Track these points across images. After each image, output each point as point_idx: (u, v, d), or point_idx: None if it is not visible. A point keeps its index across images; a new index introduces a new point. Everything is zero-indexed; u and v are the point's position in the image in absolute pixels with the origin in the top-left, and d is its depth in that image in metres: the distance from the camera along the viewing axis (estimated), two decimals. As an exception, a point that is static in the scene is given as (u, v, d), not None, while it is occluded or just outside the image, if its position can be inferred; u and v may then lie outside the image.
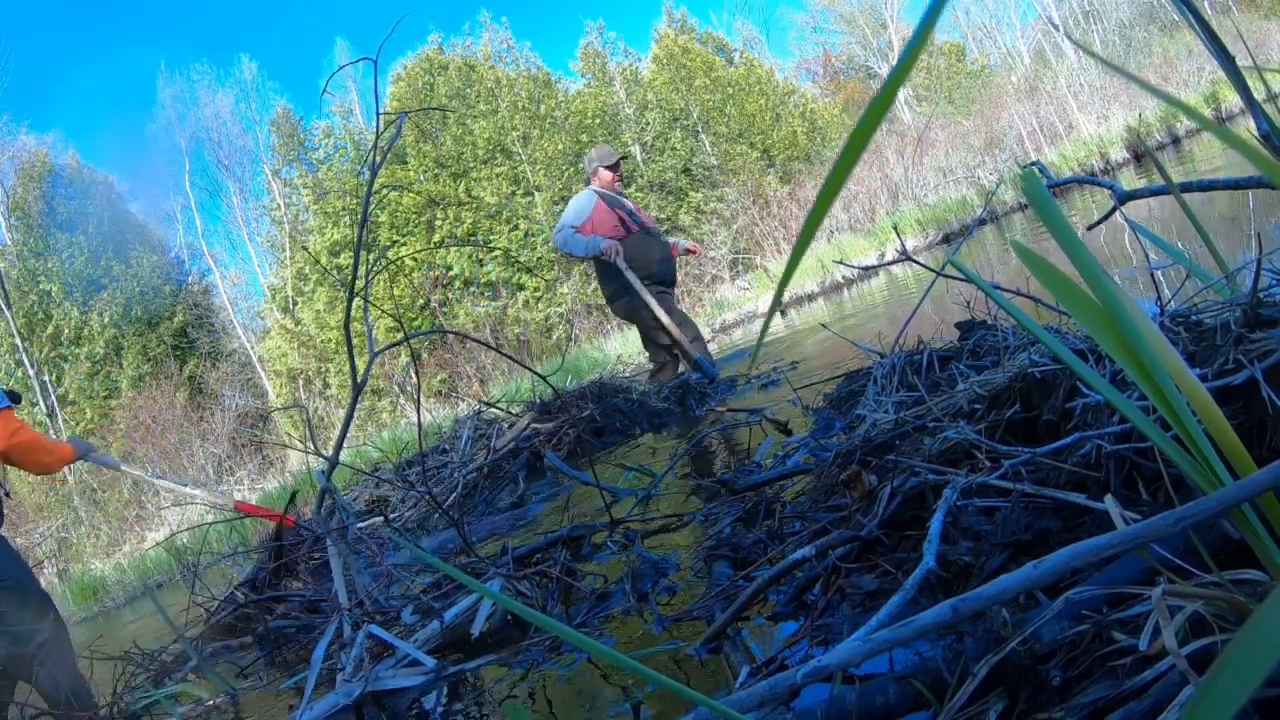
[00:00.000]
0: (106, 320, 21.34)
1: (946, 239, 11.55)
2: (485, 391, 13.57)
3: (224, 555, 2.86)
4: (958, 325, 2.17)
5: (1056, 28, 23.72)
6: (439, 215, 19.49)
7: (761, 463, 2.06)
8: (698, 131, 21.51)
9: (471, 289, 20.03)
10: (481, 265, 19.69)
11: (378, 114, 2.30)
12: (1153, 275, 1.25)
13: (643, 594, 1.48)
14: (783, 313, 10.61)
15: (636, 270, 4.72)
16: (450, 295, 19.97)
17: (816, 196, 0.33)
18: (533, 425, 3.86)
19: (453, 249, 19.01)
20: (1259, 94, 1.12)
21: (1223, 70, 1.09)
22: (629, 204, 5.02)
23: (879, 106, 0.32)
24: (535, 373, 2.38)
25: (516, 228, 19.72)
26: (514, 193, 19.80)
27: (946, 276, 1.67)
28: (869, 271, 8.89)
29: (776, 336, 6.25)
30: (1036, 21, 27.21)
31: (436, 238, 19.40)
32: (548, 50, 50.78)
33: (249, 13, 45.18)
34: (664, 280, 4.98)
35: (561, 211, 5.37)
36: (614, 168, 4.97)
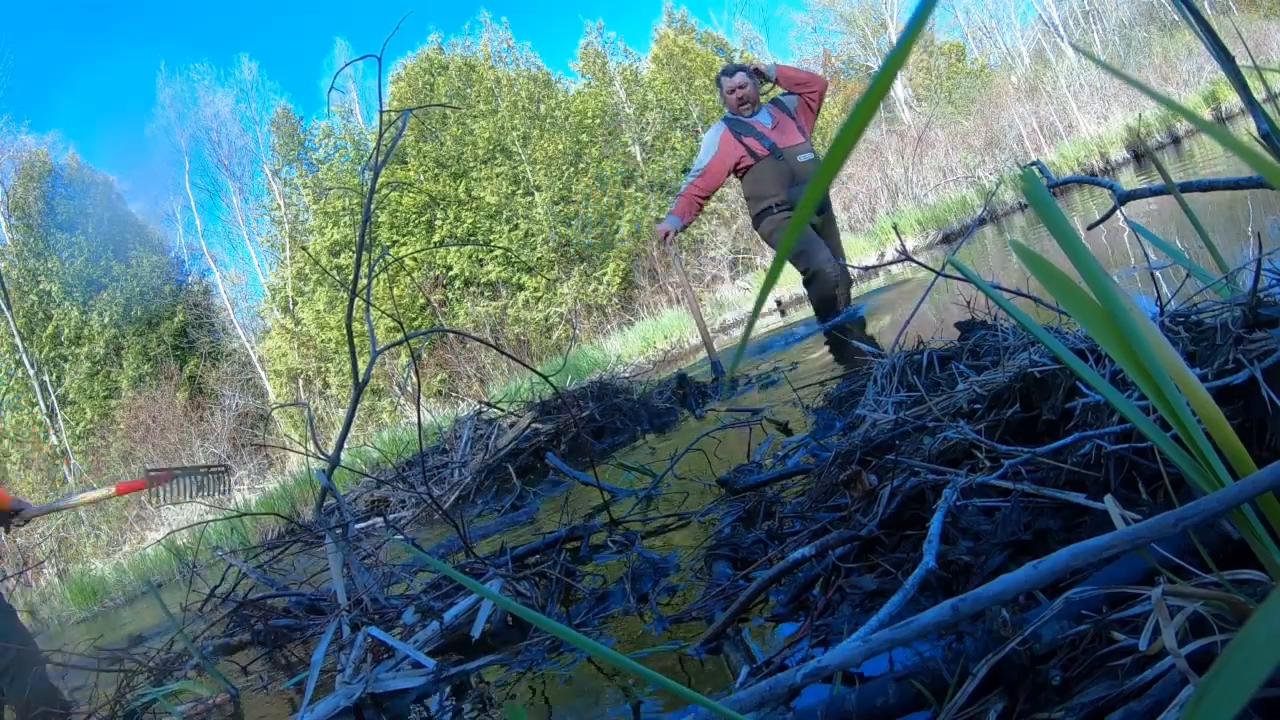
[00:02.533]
0: (106, 320, 21.35)
1: (946, 239, 11.55)
2: (485, 391, 13.57)
3: (221, 551, 2.85)
4: (958, 325, 2.17)
5: (1057, 31, 23.72)
6: (439, 215, 19.49)
7: (761, 463, 2.06)
8: (698, 131, 21.51)
9: (471, 289, 20.04)
10: (481, 265, 19.69)
11: (381, 111, 2.30)
12: (1152, 275, 1.25)
13: (643, 594, 1.48)
14: (782, 312, 10.61)
15: (764, 200, 4.63)
16: (450, 295, 19.99)
17: (791, 222, 0.33)
18: (533, 425, 3.86)
19: (453, 249, 19.00)
20: (1259, 94, 1.12)
21: (1223, 70, 1.09)
22: (762, 122, 4.67)
23: (865, 107, 0.32)
24: (536, 372, 2.38)
25: (516, 228, 19.73)
26: (514, 193, 19.80)
27: (946, 276, 1.67)
28: (869, 271, 8.89)
29: (775, 336, 6.24)
30: (1036, 21, 27.23)
31: (436, 238, 19.41)
32: (548, 50, 50.88)
33: (249, 13, 45.26)
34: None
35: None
36: (723, 80, 4.69)
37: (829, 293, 4.58)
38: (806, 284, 4.70)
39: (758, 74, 4.68)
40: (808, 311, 6.50)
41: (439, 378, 18.29)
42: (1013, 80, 20.37)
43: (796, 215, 0.34)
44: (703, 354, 5.49)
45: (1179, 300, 1.20)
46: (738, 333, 10.25)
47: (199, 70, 26.56)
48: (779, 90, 4.82)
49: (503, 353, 3.02)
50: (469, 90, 20.83)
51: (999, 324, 1.91)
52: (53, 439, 20.50)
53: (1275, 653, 0.32)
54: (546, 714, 1.19)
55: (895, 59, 0.31)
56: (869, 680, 0.80)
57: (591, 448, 3.53)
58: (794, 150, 4.63)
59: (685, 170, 20.59)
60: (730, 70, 4.71)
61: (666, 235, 4.71)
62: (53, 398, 20.97)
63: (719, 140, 4.68)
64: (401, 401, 18.24)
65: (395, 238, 19.50)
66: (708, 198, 4.83)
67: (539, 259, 19.51)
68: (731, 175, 4.79)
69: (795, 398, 2.71)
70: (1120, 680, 0.64)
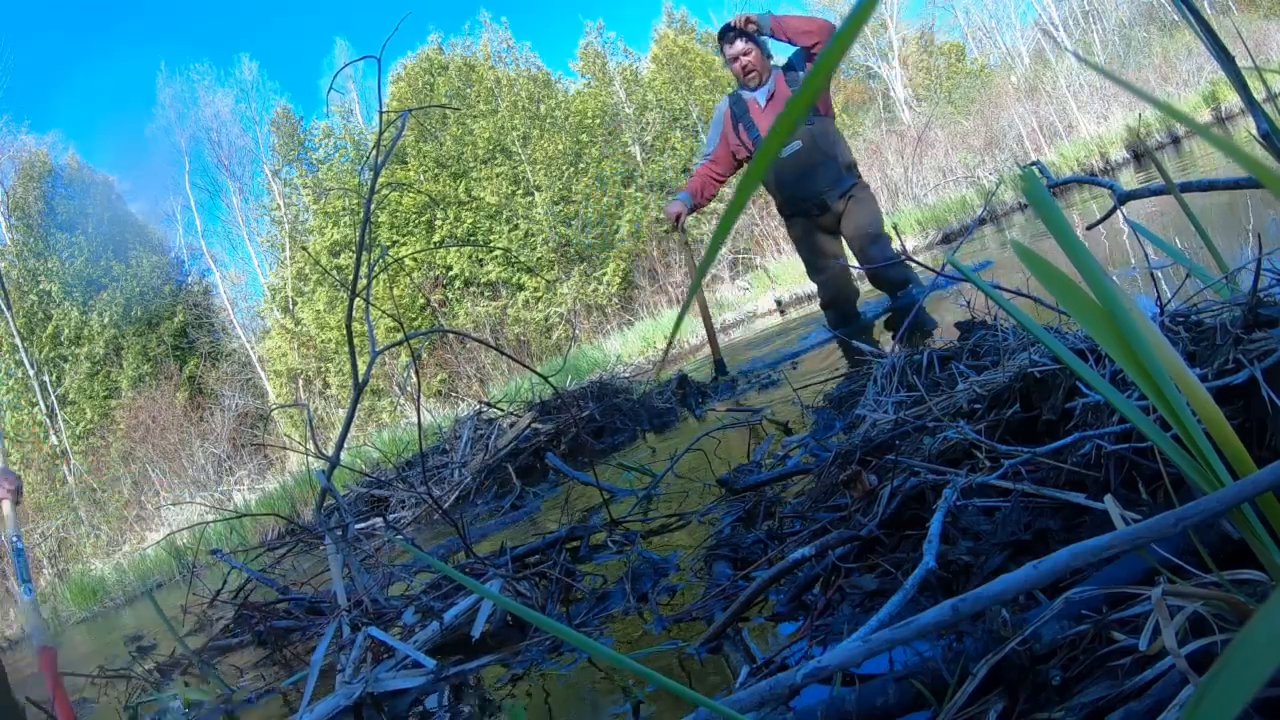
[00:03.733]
0: (106, 320, 21.36)
1: (946, 239, 11.54)
2: (485, 391, 13.57)
3: (220, 553, 2.85)
4: (958, 325, 2.17)
5: (1055, 35, 23.73)
6: (439, 215, 19.50)
7: (761, 463, 2.06)
8: (698, 131, 21.51)
9: (471, 289, 20.04)
10: (481, 265, 19.69)
11: (381, 111, 2.31)
12: (1152, 275, 1.25)
13: (642, 594, 1.48)
14: (782, 311, 10.60)
15: (774, 198, 4.23)
16: (450, 295, 19.98)
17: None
18: (533, 425, 3.86)
19: (453, 249, 19.01)
20: (1259, 94, 1.12)
21: (1223, 70, 1.09)
22: (758, 102, 4.07)
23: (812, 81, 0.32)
24: (536, 372, 2.38)
25: (516, 228, 19.73)
26: (514, 193, 19.80)
27: (946, 276, 1.67)
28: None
29: (775, 335, 6.24)
30: (1036, 21, 27.24)
31: (436, 238, 19.41)
32: (548, 50, 50.90)
33: (249, 13, 45.30)
34: (802, 207, 4.09)
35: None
36: (724, 47, 4.07)
37: (844, 320, 4.33)
38: (823, 308, 4.44)
39: (754, 27, 4.06)
40: (810, 313, 6.48)
41: (439, 378, 18.29)
42: (1012, 80, 20.36)
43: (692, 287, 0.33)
44: (703, 353, 5.44)
45: (1179, 300, 1.20)
46: (737, 333, 10.26)
47: (199, 70, 26.62)
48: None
49: (503, 353, 3.02)
50: (469, 90, 20.83)
51: (999, 324, 1.91)
52: (53, 439, 20.50)
53: (1275, 653, 0.32)
54: (547, 714, 1.19)
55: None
56: (869, 680, 0.80)
57: (591, 448, 3.53)
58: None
59: (685, 171, 20.60)
60: (729, 34, 4.07)
61: (679, 216, 4.23)
62: (53, 398, 20.96)
63: (722, 121, 4.25)
64: (401, 401, 18.24)
65: (395, 238, 19.50)
66: (723, 180, 4.36)
67: (539, 259, 19.51)
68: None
69: (795, 398, 2.71)
70: (1120, 680, 0.64)
